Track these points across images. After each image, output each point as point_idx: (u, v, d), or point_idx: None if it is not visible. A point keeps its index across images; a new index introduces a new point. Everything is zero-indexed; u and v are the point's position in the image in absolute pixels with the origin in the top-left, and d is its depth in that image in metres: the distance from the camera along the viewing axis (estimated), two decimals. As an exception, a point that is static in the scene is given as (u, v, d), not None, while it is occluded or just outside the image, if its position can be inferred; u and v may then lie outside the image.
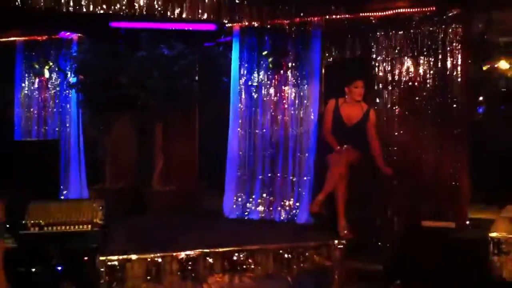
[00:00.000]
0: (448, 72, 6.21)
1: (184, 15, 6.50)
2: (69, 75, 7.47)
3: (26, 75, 7.83)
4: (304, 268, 5.45)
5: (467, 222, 6.09)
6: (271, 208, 6.84)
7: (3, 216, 4.30)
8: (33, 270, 4.29)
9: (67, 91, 7.62)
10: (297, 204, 6.73)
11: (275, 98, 6.97)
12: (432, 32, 6.28)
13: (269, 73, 6.99)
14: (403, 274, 5.56)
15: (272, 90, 6.98)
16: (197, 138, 7.54)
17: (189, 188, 7.37)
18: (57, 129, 7.70)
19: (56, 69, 7.68)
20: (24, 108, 7.84)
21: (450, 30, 6.21)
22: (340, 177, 5.90)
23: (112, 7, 6.27)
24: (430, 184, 6.19)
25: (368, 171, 6.25)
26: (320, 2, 6.63)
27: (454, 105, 6.17)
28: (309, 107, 6.77)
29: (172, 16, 6.49)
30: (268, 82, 6.99)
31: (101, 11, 6.25)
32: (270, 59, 6.94)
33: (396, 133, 6.40)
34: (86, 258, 4.34)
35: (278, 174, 6.85)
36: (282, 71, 6.94)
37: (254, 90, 7.03)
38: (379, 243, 6.11)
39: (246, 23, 6.95)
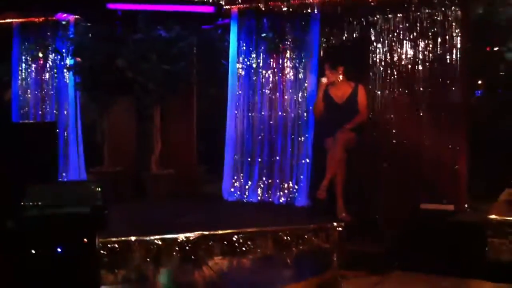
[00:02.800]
0: (447, 55, 6.19)
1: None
2: (66, 57, 7.41)
3: (23, 57, 7.79)
4: (303, 250, 5.46)
5: (466, 205, 6.10)
6: (270, 191, 6.87)
7: (4, 198, 4.28)
8: (33, 252, 4.26)
9: (65, 73, 7.57)
10: (296, 187, 6.75)
11: (273, 81, 6.95)
12: (431, 14, 6.25)
13: (267, 55, 6.96)
14: (402, 256, 5.59)
15: (270, 73, 6.96)
16: (195, 121, 7.52)
17: (188, 171, 7.37)
18: (55, 111, 7.68)
19: (53, 51, 7.62)
20: (21, 90, 7.80)
21: (449, 12, 6.18)
22: (338, 160, 5.92)
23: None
24: (429, 167, 6.19)
25: (366, 154, 6.28)
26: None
27: (453, 88, 6.16)
28: (307, 90, 6.75)
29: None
30: (266, 65, 6.96)
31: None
32: (268, 42, 6.91)
33: (394, 117, 6.39)
34: (85, 240, 4.32)
35: (277, 157, 6.86)
36: (280, 54, 6.91)
37: (253, 73, 7.00)
38: (379, 226, 6.14)
39: (244, 5, 6.90)
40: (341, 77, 6.32)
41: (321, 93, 6.34)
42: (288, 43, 6.87)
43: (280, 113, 6.90)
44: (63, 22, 7.53)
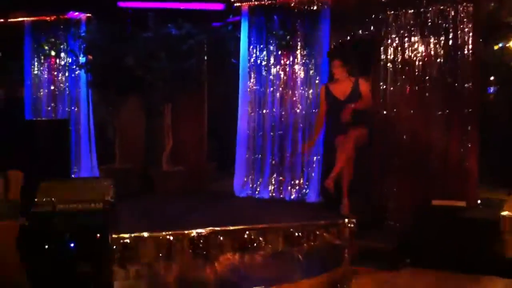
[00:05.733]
0: (458, 52, 6.15)
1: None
2: (78, 55, 7.45)
3: (35, 55, 7.84)
4: (314, 246, 5.46)
5: (478, 201, 6.07)
6: (281, 188, 6.88)
7: (18, 194, 4.32)
8: (46, 247, 4.30)
9: (76, 72, 7.62)
10: (307, 183, 6.76)
11: (284, 77, 6.95)
12: (443, 11, 6.21)
13: (278, 52, 6.96)
14: (413, 252, 5.58)
15: (281, 70, 6.96)
16: (206, 118, 7.54)
17: (198, 168, 7.39)
18: (67, 109, 7.73)
19: (66, 50, 7.66)
20: (34, 88, 7.85)
21: (460, 8, 6.14)
22: (348, 157, 5.89)
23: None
24: (440, 163, 6.17)
25: (377, 150, 6.27)
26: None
27: (465, 85, 6.12)
28: (318, 86, 6.74)
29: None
30: (277, 61, 6.96)
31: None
32: (279, 39, 6.91)
33: (406, 113, 6.37)
34: (98, 235, 4.36)
35: (288, 154, 6.87)
36: (291, 51, 6.91)
37: (263, 70, 7.01)
38: (390, 222, 6.13)
39: (255, 3, 6.91)
40: (344, 74, 6.24)
41: (323, 93, 6.27)
42: (299, 40, 6.86)
43: (291, 110, 6.90)
44: (75, 20, 7.57)
